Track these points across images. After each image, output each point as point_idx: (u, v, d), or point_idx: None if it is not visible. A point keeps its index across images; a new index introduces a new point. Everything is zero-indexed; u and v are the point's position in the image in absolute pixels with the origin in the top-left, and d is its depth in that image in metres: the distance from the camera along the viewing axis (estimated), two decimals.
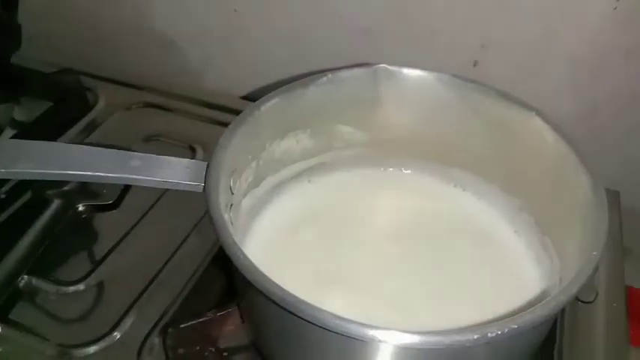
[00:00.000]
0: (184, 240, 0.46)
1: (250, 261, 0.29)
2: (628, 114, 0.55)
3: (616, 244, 0.47)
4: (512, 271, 0.39)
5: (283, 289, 0.27)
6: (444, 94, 0.41)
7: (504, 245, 0.41)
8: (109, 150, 0.35)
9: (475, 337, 0.26)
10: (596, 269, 0.29)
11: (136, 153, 0.35)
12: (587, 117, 0.56)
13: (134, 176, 0.34)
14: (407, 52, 0.58)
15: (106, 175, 0.34)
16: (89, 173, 0.34)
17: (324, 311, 0.26)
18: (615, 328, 0.41)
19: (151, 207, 0.49)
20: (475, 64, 0.57)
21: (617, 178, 0.53)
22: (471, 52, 0.56)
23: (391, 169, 0.46)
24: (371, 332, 0.26)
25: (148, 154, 0.35)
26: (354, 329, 0.26)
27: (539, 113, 0.38)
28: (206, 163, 0.34)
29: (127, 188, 0.50)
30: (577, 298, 0.42)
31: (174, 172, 0.35)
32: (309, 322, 0.27)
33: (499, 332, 0.26)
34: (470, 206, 0.44)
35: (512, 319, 0.26)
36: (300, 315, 0.27)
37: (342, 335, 0.26)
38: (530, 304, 0.28)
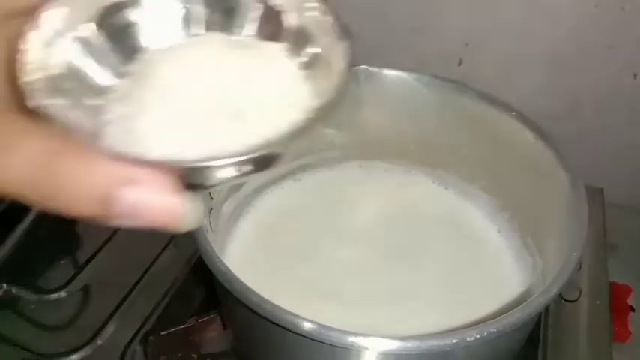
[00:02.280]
0: (166, 246, 0.46)
1: (227, 268, 0.28)
2: (611, 110, 0.56)
3: (599, 241, 0.47)
4: (495, 271, 0.39)
5: (261, 296, 0.27)
6: (425, 95, 0.41)
7: (487, 245, 0.41)
8: None
9: (454, 341, 0.26)
10: (575, 270, 0.29)
11: None
12: (570, 114, 0.56)
13: None
14: (391, 52, 0.58)
15: None
16: None
17: (302, 318, 0.26)
18: (599, 324, 0.42)
19: None
20: (460, 62, 0.57)
21: (602, 174, 0.53)
22: (456, 50, 0.56)
23: (373, 168, 0.46)
24: (350, 339, 0.26)
25: None
26: (332, 336, 0.26)
27: (519, 113, 0.38)
28: None
29: None
30: (561, 297, 0.42)
31: None
32: (287, 329, 0.26)
33: (478, 336, 0.26)
34: (452, 206, 0.44)
35: (491, 323, 0.26)
36: (277, 322, 0.27)
37: (321, 342, 0.26)
38: (513, 305, 0.28)
